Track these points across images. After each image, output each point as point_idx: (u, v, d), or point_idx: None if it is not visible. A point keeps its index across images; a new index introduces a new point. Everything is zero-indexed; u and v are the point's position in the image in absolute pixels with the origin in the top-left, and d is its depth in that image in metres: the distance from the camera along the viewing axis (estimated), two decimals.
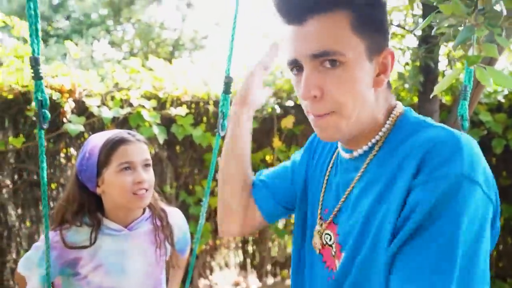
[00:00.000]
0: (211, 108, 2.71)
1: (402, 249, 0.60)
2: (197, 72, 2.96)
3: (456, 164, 0.58)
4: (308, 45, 0.64)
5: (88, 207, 1.17)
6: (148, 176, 1.15)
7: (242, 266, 3.17)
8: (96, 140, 1.16)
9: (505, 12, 0.67)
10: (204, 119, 2.76)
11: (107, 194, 1.15)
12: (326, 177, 0.81)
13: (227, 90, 1.28)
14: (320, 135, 0.71)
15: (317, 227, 0.80)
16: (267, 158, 2.92)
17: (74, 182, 1.18)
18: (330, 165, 0.82)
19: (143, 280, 1.19)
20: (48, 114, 1.13)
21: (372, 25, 0.66)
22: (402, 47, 2.45)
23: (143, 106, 2.48)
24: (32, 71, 1.06)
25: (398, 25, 2.48)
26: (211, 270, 3.05)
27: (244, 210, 0.94)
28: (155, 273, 1.21)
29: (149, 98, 2.56)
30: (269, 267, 3.16)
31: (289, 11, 0.65)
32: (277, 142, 2.80)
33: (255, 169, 3.34)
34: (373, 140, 0.71)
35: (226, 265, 3.20)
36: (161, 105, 2.63)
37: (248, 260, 3.17)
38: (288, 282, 3.05)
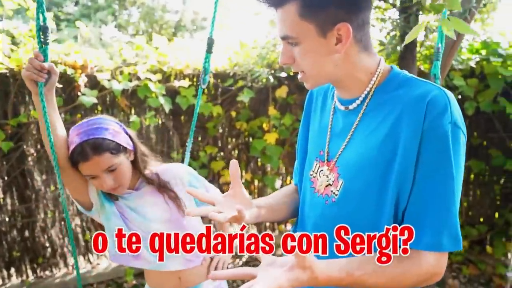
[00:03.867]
0: (211, 80, 2.60)
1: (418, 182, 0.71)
2: (197, 48, 2.84)
3: (448, 115, 0.69)
4: (278, 30, 0.77)
5: None
6: (113, 178, 1.13)
7: None
8: (70, 137, 1.12)
9: None
10: (206, 90, 2.63)
11: None
12: (330, 126, 0.87)
13: (209, 49, 1.36)
14: (306, 86, 0.82)
15: (314, 163, 0.89)
16: (264, 125, 2.83)
17: None
18: (331, 116, 0.87)
19: (164, 223, 1.24)
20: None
21: (318, 8, 0.71)
22: (384, 18, 2.38)
23: (150, 79, 2.42)
24: (42, 37, 1.02)
25: None
26: None
27: (294, 206, 1.00)
28: (173, 218, 1.24)
29: (154, 72, 2.49)
30: (267, 223, 3.12)
31: (266, 4, 0.76)
32: (272, 111, 2.72)
33: (253, 134, 3.26)
34: (365, 92, 0.78)
35: None
36: (166, 78, 2.55)
37: None
38: None
